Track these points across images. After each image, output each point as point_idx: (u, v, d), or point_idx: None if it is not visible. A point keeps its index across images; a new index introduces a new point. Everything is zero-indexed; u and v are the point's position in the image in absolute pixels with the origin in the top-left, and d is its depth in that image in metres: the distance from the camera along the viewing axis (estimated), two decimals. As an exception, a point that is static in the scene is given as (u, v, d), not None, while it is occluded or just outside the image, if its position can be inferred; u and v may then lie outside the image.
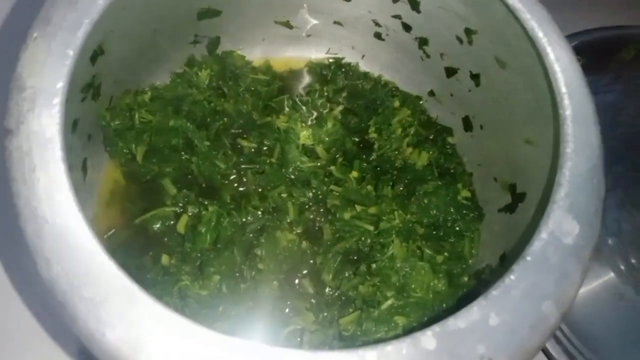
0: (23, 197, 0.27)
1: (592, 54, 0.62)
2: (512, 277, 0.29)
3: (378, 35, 0.52)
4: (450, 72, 0.49)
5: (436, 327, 0.27)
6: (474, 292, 0.37)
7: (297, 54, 0.56)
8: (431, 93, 0.53)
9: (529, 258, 0.30)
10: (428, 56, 0.50)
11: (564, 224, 0.31)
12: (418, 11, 0.47)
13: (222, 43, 0.53)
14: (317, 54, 0.56)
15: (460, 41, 0.45)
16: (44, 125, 0.27)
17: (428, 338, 0.27)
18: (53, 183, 0.26)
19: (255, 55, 0.54)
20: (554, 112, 0.35)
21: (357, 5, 0.50)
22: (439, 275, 0.41)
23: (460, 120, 0.51)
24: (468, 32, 0.44)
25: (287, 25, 0.53)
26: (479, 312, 0.28)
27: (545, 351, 0.51)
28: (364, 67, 0.55)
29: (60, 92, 0.28)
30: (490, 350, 0.27)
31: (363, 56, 0.55)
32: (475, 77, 0.47)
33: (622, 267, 0.55)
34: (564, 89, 0.35)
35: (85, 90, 0.38)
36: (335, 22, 0.52)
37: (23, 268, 0.26)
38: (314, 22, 0.53)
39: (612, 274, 0.55)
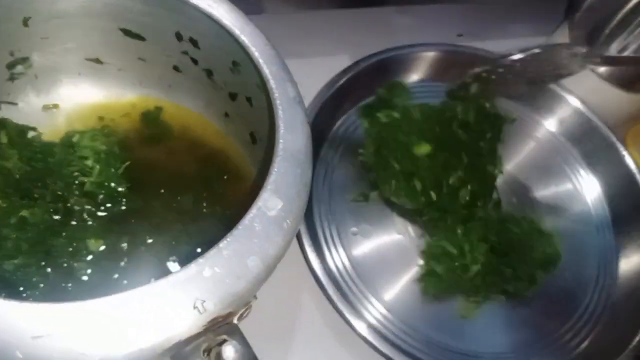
0: None
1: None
2: (225, 240, 0.40)
3: (177, 68, 0.63)
4: (233, 96, 0.60)
5: (162, 280, 0.37)
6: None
7: (113, 84, 0.65)
8: (225, 115, 0.64)
9: (240, 227, 0.41)
10: (216, 84, 0.61)
11: (269, 202, 0.42)
12: (198, 47, 0.58)
13: (40, 78, 0.61)
14: (132, 86, 0.65)
15: (232, 71, 0.57)
16: None
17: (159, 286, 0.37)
18: None
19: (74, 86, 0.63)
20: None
21: (151, 44, 0.60)
22: None
23: (248, 135, 0.62)
24: (235, 63, 0.56)
25: (97, 61, 0.62)
26: (195, 267, 0.38)
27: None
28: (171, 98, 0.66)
29: None
30: (203, 294, 0.38)
31: (170, 85, 0.65)
32: (248, 100, 0.58)
33: None
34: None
35: None
36: (139, 59, 0.62)
37: None
38: (121, 58, 0.62)
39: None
